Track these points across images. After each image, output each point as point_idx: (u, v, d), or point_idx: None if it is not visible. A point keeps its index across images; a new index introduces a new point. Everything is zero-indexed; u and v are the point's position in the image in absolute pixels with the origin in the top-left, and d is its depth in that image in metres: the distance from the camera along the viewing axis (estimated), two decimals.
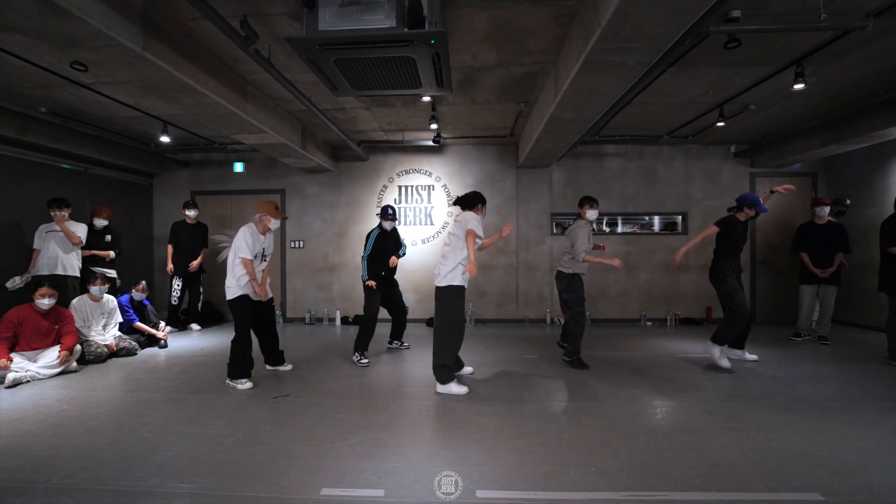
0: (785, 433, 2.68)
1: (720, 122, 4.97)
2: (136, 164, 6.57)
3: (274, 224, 3.85)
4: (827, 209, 5.23)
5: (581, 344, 4.24)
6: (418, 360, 4.52)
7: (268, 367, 4.17)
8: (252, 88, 4.38)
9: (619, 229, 6.95)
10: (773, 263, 6.77)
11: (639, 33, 2.69)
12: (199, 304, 6.23)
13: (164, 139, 5.46)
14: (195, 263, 6.02)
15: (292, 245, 7.12)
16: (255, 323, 3.92)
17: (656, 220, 6.97)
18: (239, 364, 3.64)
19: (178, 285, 5.98)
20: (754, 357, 4.37)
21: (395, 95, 4.10)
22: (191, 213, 6.08)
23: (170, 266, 5.99)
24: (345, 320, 6.82)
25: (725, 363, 4.06)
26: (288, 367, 4.18)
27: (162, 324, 5.30)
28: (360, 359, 4.37)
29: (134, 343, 4.76)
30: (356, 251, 6.96)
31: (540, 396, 3.37)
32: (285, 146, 5.35)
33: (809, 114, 5.27)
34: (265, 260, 3.88)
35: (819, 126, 5.45)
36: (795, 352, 4.80)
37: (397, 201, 6.93)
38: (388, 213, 4.62)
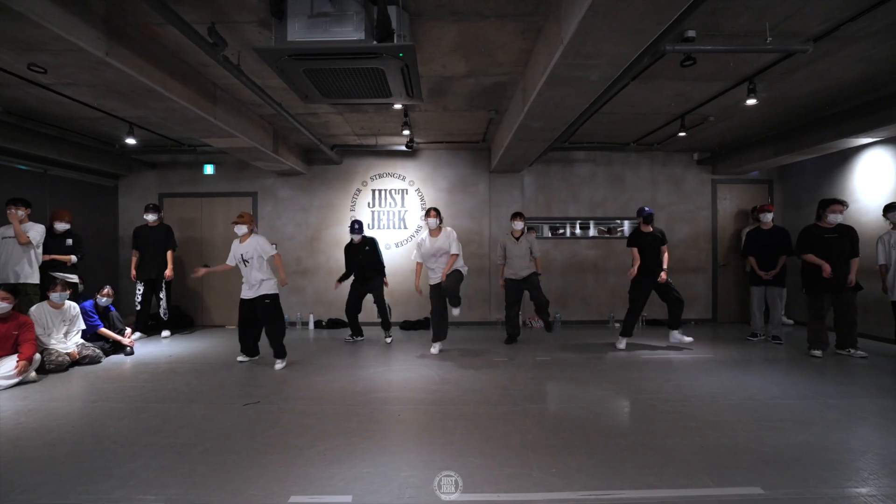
0: (734, 431, 2.85)
1: (682, 132, 5.21)
2: (100, 166, 6.38)
3: (238, 230, 4.44)
4: (770, 215, 5.54)
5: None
6: (390, 364, 4.56)
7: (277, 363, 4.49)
8: (221, 93, 4.34)
9: (592, 233, 7.15)
10: (732, 266, 7.09)
11: (599, 51, 2.81)
12: (162, 311, 5.98)
13: (130, 141, 5.33)
14: (168, 272, 5.87)
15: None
16: (253, 319, 4.55)
17: (626, 224, 7.19)
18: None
19: (140, 290, 5.83)
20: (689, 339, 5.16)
21: (366, 104, 4.14)
22: (150, 216, 5.91)
23: (133, 272, 5.84)
24: (318, 324, 6.79)
25: (688, 339, 5.11)
26: (279, 364, 4.46)
27: (128, 330, 5.18)
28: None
29: (98, 350, 4.65)
30: (329, 255, 6.95)
31: (508, 399, 3.47)
32: (256, 150, 5.31)
33: (763, 125, 5.56)
34: (247, 263, 4.41)
35: (773, 137, 5.76)
36: (750, 351, 5.07)
37: (371, 205, 6.95)
38: (353, 227, 5.53)
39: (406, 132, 5.22)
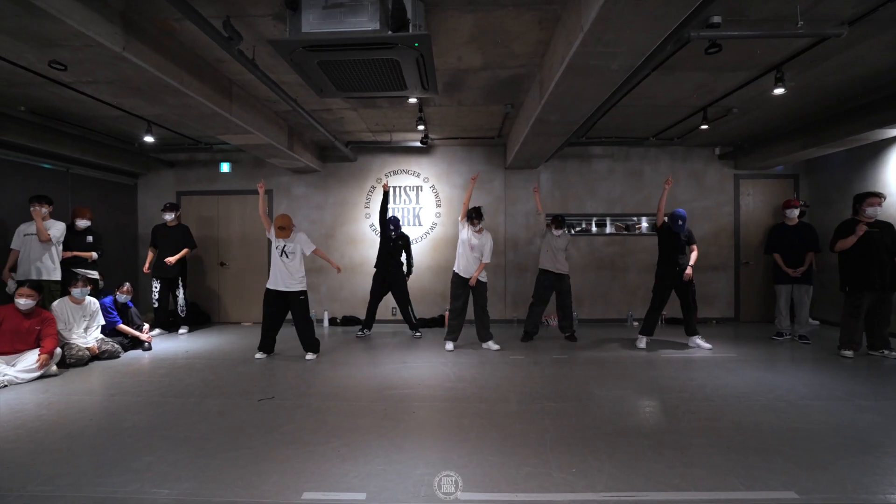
0: (763, 432, 2.73)
1: (704, 125, 5.05)
2: (120, 164, 6.48)
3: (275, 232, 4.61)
4: (797, 211, 5.36)
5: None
6: (405, 360, 4.52)
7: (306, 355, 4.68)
8: (237, 89, 4.35)
9: (608, 229, 7.01)
10: (755, 264, 6.88)
11: (620, 38, 2.72)
12: (180, 307, 6.02)
13: (149, 139, 5.39)
14: (172, 259, 5.88)
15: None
16: (282, 312, 4.73)
17: (644, 221, 7.04)
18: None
19: (157, 287, 5.90)
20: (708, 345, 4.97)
21: (381, 97, 4.10)
22: (167, 216, 5.96)
23: (146, 267, 5.91)
24: (332, 321, 6.79)
25: (707, 345, 4.93)
26: (309, 356, 4.64)
27: (146, 326, 5.24)
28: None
29: (116, 346, 4.71)
30: (344, 252, 6.94)
31: (525, 398, 3.39)
32: (272, 147, 5.32)
33: (790, 117, 5.36)
34: (289, 256, 4.60)
35: (799, 129, 5.56)
36: (777, 351, 4.89)
37: (388, 195, 6.90)
38: (393, 221, 5.71)
39: (421, 127, 5.17)
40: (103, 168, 6.36)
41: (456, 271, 5.00)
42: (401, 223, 5.95)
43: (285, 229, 4.59)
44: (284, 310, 4.73)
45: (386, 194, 5.71)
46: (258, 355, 4.68)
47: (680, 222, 4.81)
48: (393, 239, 5.70)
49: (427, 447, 2.56)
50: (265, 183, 6.94)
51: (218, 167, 7.04)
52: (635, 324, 6.70)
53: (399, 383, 3.78)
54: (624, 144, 6.67)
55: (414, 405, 3.25)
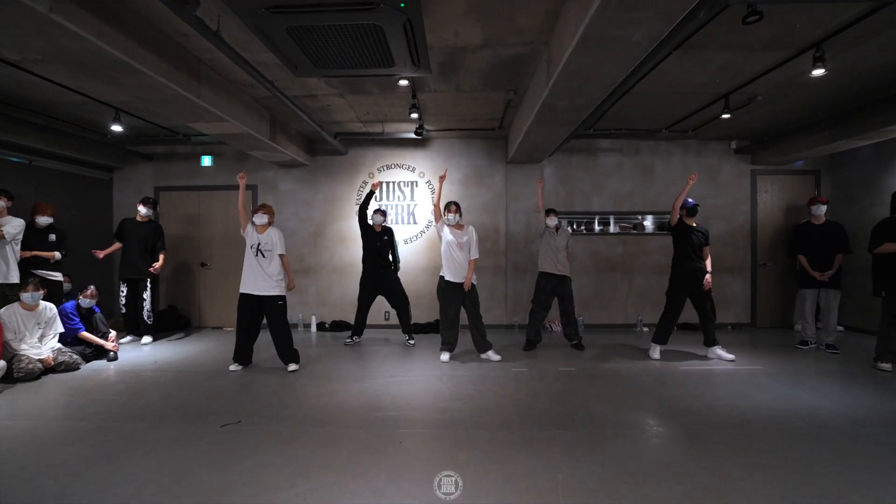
0: (817, 472, 2.28)
1: (725, 114, 4.58)
2: (92, 157, 6.01)
3: (258, 219, 4.22)
4: (824, 208, 4.91)
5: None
6: (395, 373, 4.06)
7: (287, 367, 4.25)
8: (207, 70, 3.88)
9: (612, 229, 6.56)
10: (772, 266, 6.43)
11: (647, 0, 2.27)
12: (146, 313, 5.40)
13: (117, 128, 4.92)
14: (158, 265, 5.43)
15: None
16: (257, 318, 4.25)
17: (650, 218, 6.59)
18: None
19: (123, 290, 5.40)
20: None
21: (367, 76, 3.64)
22: (142, 209, 5.42)
23: (100, 254, 5.24)
24: (321, 326, 6.33)
25: (729, 356, 4.47)
26: (292, 367, 4.21)
27: (112, 334, 4.77)
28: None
29: (76, 357, 4.25)
30: (334, 252, 6.49)
31: (531, 422, 2.94)
32: (251, 137, 4.86)
33: (819, 106, 4.90)
34: (265, 255, 4.16)
35: (827, 120, 5.10)
36: (804, 363, 4.44)
37: (377, 198, 6.45)
38: (378, 210, 5.33)
39: (414, 116, 4.70)
40: (73, 161, 5.89)
41: (444, 278, 4.50)
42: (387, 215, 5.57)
43: (267, 224, 4.21)
44: (262, 316, 4.29)
45: (371, 194, 5.22)
46: (233, 367, 4.23)
47: (689, 200, 4.54)
48: (377, 234, 5.25)
49: (413, 493, 2.11)
50: (248, 177, 6.53)
51: (199, 161, 6.58)
52: (645, 330, 6.26)
53: (386, 402, 3.33)
54: (634, 137, 6.21)
55: (401, 432, 2.79)
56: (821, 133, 5.22)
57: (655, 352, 4.59)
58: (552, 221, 4.97)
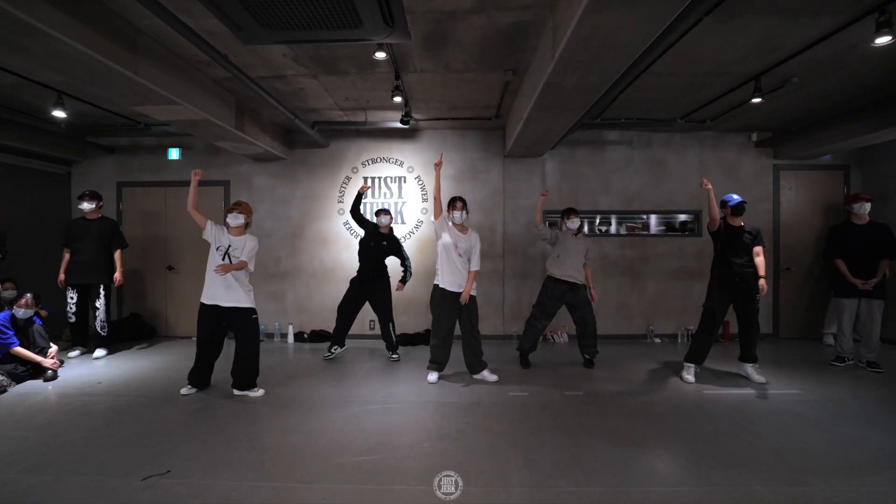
0: None
1: (756, 98, 3.98)
2: (44, 149, 5.40)
3: (233, 219, 3.63)
4: (868, 206, 4.34)
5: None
6: (374, 398, 3.46)
7: (235, 391, 3.62)
8: (147, 40, 3.26)
9: (622, 230, 5.98)
10: (797, 270, 5.84)
11: None
12: (99, 324, 4.76)
13: (59, 114, 4.30)
14: (118, 276, 4.79)
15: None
16: (221, 333, 3.67)
17: (654, 218, 6.01)
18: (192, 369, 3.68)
19: (73, 297, 4.78)
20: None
21: (333, 42, 3.03)
22: (85, 205, 4.77)
23: (61, 276, 4.72)
24: (299, 336, 5.73)
25: (761, 379, 3.88)
26: (258, 392, 3.61)
27: (53, 349, 4.17)
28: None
29: (2, 377, 3.65)
30: (314, 255, 5.88)
31: (533, 475, 2.35)
32: (212, 125, 4.25)
33: (864, 88, 4.25)
34: (231, 261, 3.52)
35: (870, 106, 4.50)
36: (847, 385, 3.86)
37: (363, 196, 5.83)
38: (383, 210, 4.74)
39: (398, 99, 4.08)
40: (20, 153, 5.28)
41: (440, 286, 3.89)
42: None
43: (244, 226, 3.65)
44: (226, 331, 3.69)
45: (360, 195, 4.64)
46: (185, 391, 3.63)
47: (734, 196, 3.93)
48: (380, 235, 4.63)
49: None
50: (220, 172, 5.95)
51: (165, 154, 5.96)
52: (657, 341, 5.68)
53: (357, 442, 2.73)
54: (646, 128, 5.61)
55: (368, 490, 2.20)
56: (860, 121, 4.63)
57: (689, 373, 3.96)
58: (574, 223, 4.36)
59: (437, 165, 3.85)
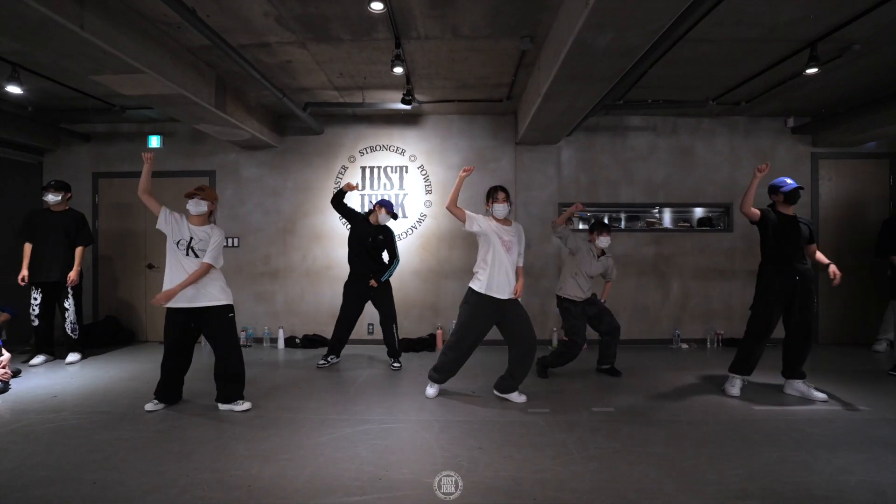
0: None
1: (811, 68, 3.44)
2: (11, 136, 4.91)
3: (194, 207, 3.08)
4: None
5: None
6: (371, 417, 2.94)
7: (220, 406, 3.13)
8: None
9: (646, 224, 5.46)
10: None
11: None
12: (69, 326, 4.30)
13: (14, 89, 3.81)
14: (73, 274, 4.25)
15: (225, 244, 5.49)
16: (191, 340, 3.15)
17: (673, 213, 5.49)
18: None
19: (37, 298, 4.27)
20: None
21: None
22: (51, 197, 4.25)
23: (23, 273, 4.19)
24: (290, 341, 5.20)
25: (821, 395, 3.28)
26: (244, 405, 3.11)
27: (5, 357, 3.67)
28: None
29: None
30: (307, 252, 5.38)
31: None
32: (187, 101, 3.75)
33: None
34: (195, 255, 3.02)
35: None
36: None
37: (360, 187, 5.34)
38: (383, 202, 4.19)
39: (398, 70, 3.53)
40: None
41: (481, 292, 3.14)
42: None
43: (207, 214, 3.14)
44: (197, 335, 3.18)
45: (343, 193, 4.14)
46: (150, 406, 3.10)
47: (788, 181, 3.37)
48: (368, 228, 4.13)
49: None
50: (204, 161, 5.43)
51: (146, 142, 5.47)
52: (684, 346, 5.15)
53: (347, 476, 2.21)
54: (671, 111, 5.10)
55: None
56: None
57: (734, 387, 3.42)
58: (604, 242, 3.83)
59: (467, 172, 3.19)
